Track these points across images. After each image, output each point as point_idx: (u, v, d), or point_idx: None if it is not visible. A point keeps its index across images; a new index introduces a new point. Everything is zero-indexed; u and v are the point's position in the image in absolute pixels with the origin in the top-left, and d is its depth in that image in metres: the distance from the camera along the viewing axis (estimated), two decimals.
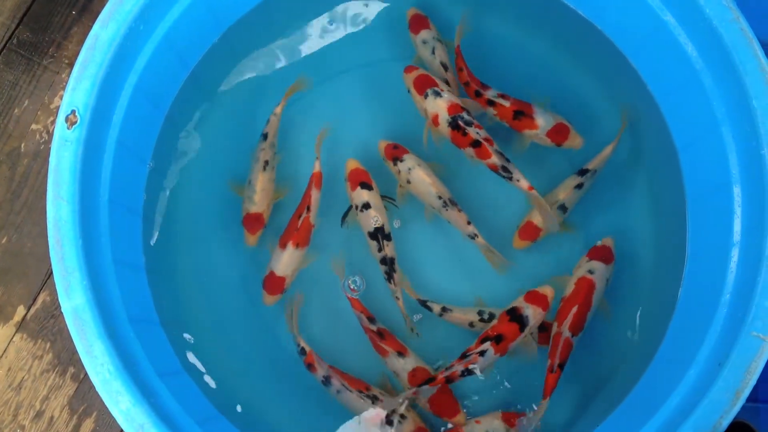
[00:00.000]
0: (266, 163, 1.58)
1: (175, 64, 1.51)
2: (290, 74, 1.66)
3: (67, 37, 1.82)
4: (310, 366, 1.49)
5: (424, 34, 1.63)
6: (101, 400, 1.22)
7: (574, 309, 1.46)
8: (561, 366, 1.42)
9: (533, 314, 1.44)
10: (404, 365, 1.51)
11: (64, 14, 1.83)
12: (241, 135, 1.66)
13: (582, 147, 1.58)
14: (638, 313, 1.54)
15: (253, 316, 1.60)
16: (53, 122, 1.41)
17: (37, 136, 1.78)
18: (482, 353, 1.41)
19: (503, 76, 1.65)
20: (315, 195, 1.56)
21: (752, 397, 1.29)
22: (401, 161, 1.57)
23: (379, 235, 1.54)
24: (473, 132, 1.50)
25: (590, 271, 1.49)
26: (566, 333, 1.44)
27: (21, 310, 1.72)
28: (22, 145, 1.78)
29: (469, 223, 1.53)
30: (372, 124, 1.67)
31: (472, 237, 1.53)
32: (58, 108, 1.30)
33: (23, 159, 1.77)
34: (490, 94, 1.57)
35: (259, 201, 1.57)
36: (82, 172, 1.29)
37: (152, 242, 1.54)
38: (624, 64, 1.53)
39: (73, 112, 1.29)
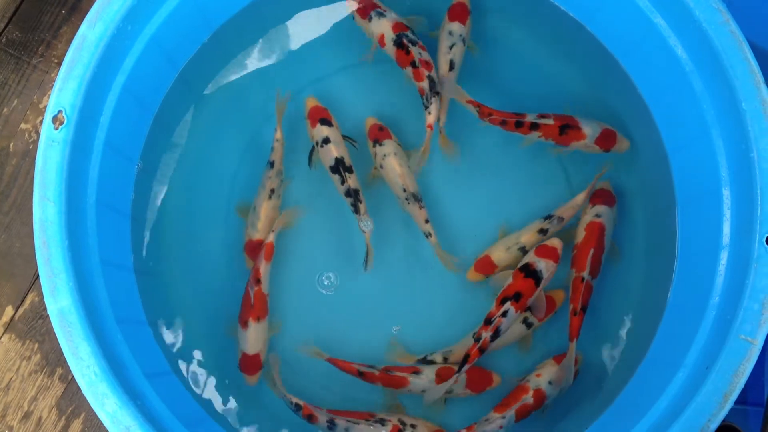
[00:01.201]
0: (272, 191, 1.57)
1: (163, 65, 1.51)
2: (281, 74, 1.66)
3: (57, 37, 1.81)
4: (310, 417, 1.46)
5: (454, 26, 1.60)
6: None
7: (591, 252, 1.49)
8: (583, 309, 1.47)
9: (546, 267, 1.46)
10: (427, 376, 1.50)
11: (53, 13, 1.82)
12: (231, 135, 1.65)
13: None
14: (628, 315, 1.54)
15: None
16: (42, 122, 1.40)
17: (26, 135, 1.77)
18: (504, 314, 1.42)
19: (494, 79, 1.65)
20: (264, 267, 1.54)
21: (741, 400, 1.29)
22: (380, 145, 1.58)
23: (340, 167, 1.54)
24: (415, 51, 1.54)
25: (597, 215, 1.53)
26: (586, 277, 1.48)
27: (9, 311, 1.71)
28: (11, 144, 1.77)
29: (427, 221, 1.54)
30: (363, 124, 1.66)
31: (427, 235, 1.54)
32: (47, 107, 1.29)
33: (12, 159, 1.76)
34: (530, 118, 1.55)
35: (262, 228, 1.56)
36: (69, 173, 1.28)
37: (141, 243, 1.53)
38: (615, 66, 1.53)
39: (60, 112, 1.29)
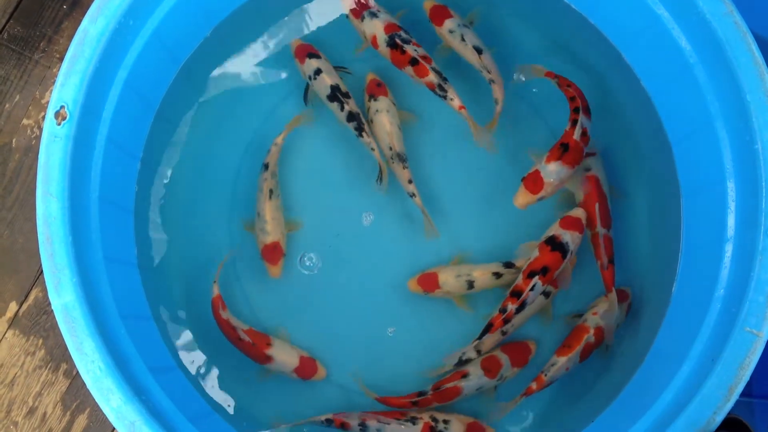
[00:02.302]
0: (271, 192, 1.57)
1: (165, 60, 1.50)
2: (283, 69, 1.65)
3: (58, 32, 1.81)
4: (342, 426, 1.45)
5: (449, 23, 1.59)
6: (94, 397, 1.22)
7: (597, 206, 1.50)
8: (611, 261, 1.48)
9: (572, 239, 1.46)
10: (476, 373, 1.48)
11: (54, 8, 1.82)
12: (234, 129, 1.64)
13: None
14: (633, 308, 1.54)
15: (247, 312, 1.59)
16: (45, 117, 1.40)
17: (29, 131, 1.77)
18: (532, 288, 1.42)
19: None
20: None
21: (746, 392, 1.29)
22: (375, 100, 1.58)
23: (337, 94, 1.55)
24: (411, 50, 1.52)
25: (587, 169, 1.54)
26: (601, 231, 1.49)
27: (13, 306, 1.72)
28: (13, 140, 1.77)
29: (410, 182, 1.54)
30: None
31: (411, 195, 1.54)
32: (49, 103, 1.29)
33: (14, 154, 1.76)
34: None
35: (272, 230, 1.56)
36: (71, 169, 1.28)
37: (144, 238, 1.53)
38: (617, 58, 1.52)
39: (62, 107, 1.28)
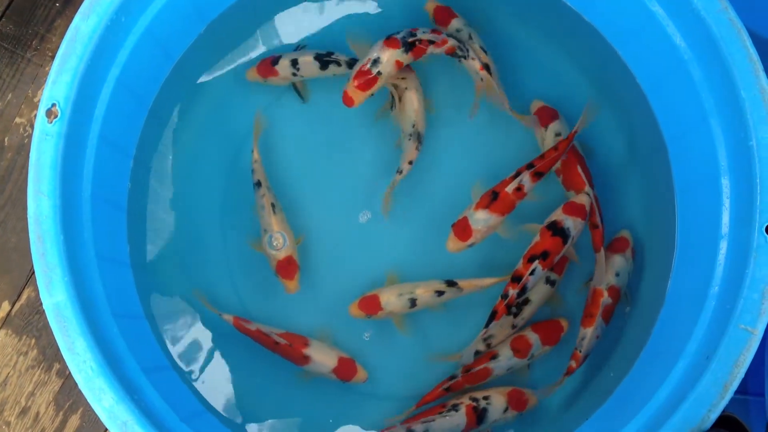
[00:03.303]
0: (273, 206, 1.55)
1: (158, 57, 1.49)
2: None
3: (51, 30, 1.80)
4: None
5: (455, 23, 1.59)
6: None
7: (578, 167, 1.50)
8: (601, 220, 1.49)
9: (574, 225, 1.45)
10: (505, 354, 1.49)
11: (47, 6, 1.81)
12: (228, 127, 1.64)
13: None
14: (627, 306, 1.54)
15: (241, 310, 1.58)
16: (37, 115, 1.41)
17: (21, 129, 1.77)
18: (532, 272, 1.42)
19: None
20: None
21: (741, 390, 1.28)
22: (403, 78, 1.57)
23: (323, 58, 1.58)
24: (424, 36, 1.51)
25: (557, 134, 1.54)
26: (588, 191, 1.49)
27: (5, 306, 1.71)
28: (6, 138, 1.76)
29: (410, 162, 1.55)
30: (362, 117, 1.65)
31: (398, 172, 1.56)
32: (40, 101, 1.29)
33: (7, 153, 1.76)
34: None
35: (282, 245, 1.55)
36: (63, 167, 1.27)
37: (137, 237, 1.53)
38: (612, 55, 1.51)
39: (53, 105, 1.27)
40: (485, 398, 1.46)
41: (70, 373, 1.62)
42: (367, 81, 1.48)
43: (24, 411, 1.68)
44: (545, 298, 1.54)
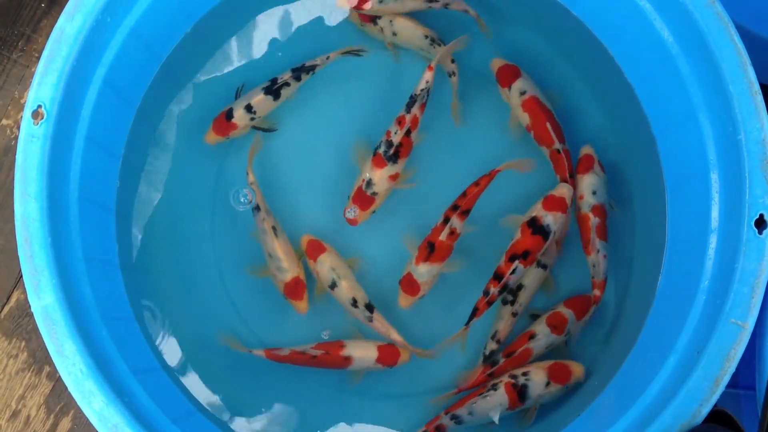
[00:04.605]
0: (274, 229, 1.53)
1: (145, 57, 1.48)
2: (265, 64, 1.64)
3: (37, 30, 1.79)
4: (438, 429, 1.46)
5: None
6: None
7: (547, 124, 1.52)
8: (571, 176, 1.52)
9: (554, 220, 1.46)
10: (543, 331, 1.50)
11: (33, 7, 1.80)
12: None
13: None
14: (618, 302, 1.54)
15: (231, 312, 1.58)
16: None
17: (8, 131, 1.76)
18: (513, 272, 1.44)
19: (478, 64, 1.63)
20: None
21: (732, 384, 1.28)
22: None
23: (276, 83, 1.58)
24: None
25: (522, 92, 1.54)
26: (560, 146, 1.52)
27: None
28: None
29: (453, 61, 1.58)
30: (353, 114, 1.64)
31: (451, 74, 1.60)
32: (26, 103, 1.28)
33: None
34: None
35: (289, 267, 1.52)
36: (50, 169, 1.26)
37: (125, 238, 1.52)
38: (600, 50, 1.51)
39: (39, 107, 1.27)
40: (524, 374, 1.46)
41: (60, 375, 1.63)
42: (364, 202, 1.54)
43: (14, 414, 1.67)
44: (539, 282, 1.54)
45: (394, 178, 1.54)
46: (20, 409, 1.67)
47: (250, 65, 1.65)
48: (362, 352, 1.50)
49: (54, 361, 1.21)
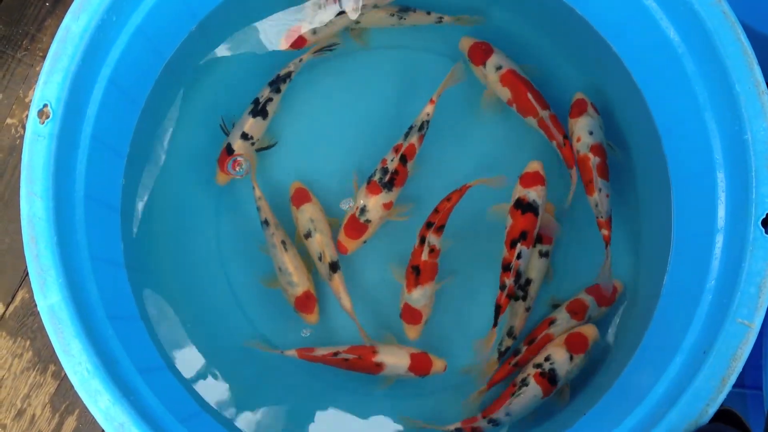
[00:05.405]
0: (283, 243, 1.53)
1: (150, 56, 1.48)
2: (269, 62, 1.64)
3: (41, 29, 1.79)
4: (476, 430, 1.46)
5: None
6: None
7: (528, 94, 1.53)
8: (566, 137, 1.52)
9: (537, 194, 1.46)
10: (563, 317, 1.50)
11: (37, 6, 1.80)
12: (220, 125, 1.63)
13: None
14: (624, 301, 1.54)
15: (237, 312, 1.58)
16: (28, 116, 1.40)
17: (13, 130, 1.76)
18: (519, 256, 1.44)
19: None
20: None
21: (739, 384, 1.28)
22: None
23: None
24: None
25: (498, 68, 1.55)
26: (544, 114, 1.53)
27: (0, 308, 1.70)
28: None
29: (429, 13, 1.60)
30: (354, 114, 1.64)
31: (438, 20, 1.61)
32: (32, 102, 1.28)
33: None
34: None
35: (300, 281, 1.52)
36: (56, 168, 1.26)
37: (131, 237, 1.52)
38: (606, 49, 1.51)
39: (45, 106, 1.27)
40: (547, 359, 1.46)
41: (65, 374, 1.62)
42: (356, 230, 1.53)
43: (20, 413, 1.67)
44: (544, 271, 1.55)
45: (388, 206, 1.53)
46: (25, 408, 1.67)
47: (253, 62, 1.65)
48: (395, 360, 1.49)
49: (60, 360, 1.21)
